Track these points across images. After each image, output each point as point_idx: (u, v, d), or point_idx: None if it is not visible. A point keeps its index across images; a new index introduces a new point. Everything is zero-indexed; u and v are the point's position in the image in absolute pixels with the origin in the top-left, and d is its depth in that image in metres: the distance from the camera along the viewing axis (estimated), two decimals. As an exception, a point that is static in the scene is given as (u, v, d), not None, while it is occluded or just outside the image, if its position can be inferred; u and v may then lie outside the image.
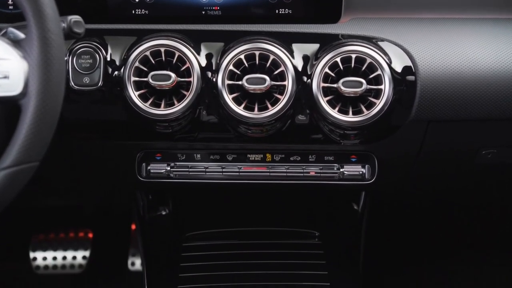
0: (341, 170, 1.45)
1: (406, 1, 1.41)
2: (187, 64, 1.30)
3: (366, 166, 1.46)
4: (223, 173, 1.46)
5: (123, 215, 2.25)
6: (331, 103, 1.30)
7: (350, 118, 1.30)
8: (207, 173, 1.45)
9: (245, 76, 1.27)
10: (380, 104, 1.29)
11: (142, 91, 1.30)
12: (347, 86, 1.27)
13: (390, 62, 1.30)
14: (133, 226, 2.27)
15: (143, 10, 1.37)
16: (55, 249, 2.25)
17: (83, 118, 1.38)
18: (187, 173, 1.46)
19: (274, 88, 1.30)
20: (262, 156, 1.46)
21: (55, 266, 2.23)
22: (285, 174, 1.46)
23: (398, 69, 1.31)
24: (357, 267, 1.77)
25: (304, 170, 1.45)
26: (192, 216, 1.91)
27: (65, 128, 1.33)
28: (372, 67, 1.29)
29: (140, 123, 1.36)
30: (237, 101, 1.30)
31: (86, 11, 1.31)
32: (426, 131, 1.38)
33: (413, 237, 2.26)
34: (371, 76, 1.29)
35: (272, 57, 1.29)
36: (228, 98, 1.29)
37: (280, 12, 1.37)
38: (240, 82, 1.28)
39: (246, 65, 1.30)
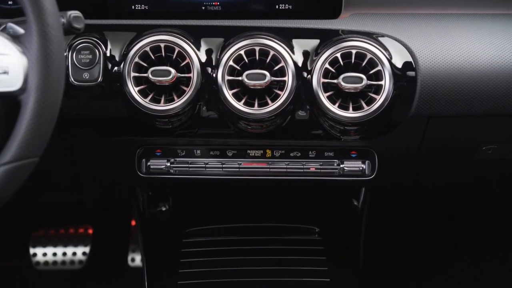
0: (341, 166, 1.45)
1: (406, -3, 1.41)
2: (187, 60, 1.30)
3: (366, 162, 1.46)
4: (223, 169, 1.46)
5: (123, 211, 2.26)
6: (331, 99, 1.30)
7: (350, 113, 1.30)
8: (207, 169, 1.45)
9: (245, 72, 1.27)
10: (380, 99, 1.29)
11: (142, 86, 1.30)
12: (347, 82, 1.27)
13: (391, 58, 1.30)
14: (133, 222, 2.27)
15: (142, 5, 1.37)
16: (55, 245, 2.26)
17: (83, 113, 1.37)
18: (187, 169, 1.46)
19: (274, 83, 1.30)
20: (262, 152, 1.46)
21: (55, 262, 2.24)
22: (285, 170, 1.46)
23: (399, 64, 1.31)
24: (357, 263, 1.77)
25: (304, 166, 1.45)
26: (192, 212, 1.91)
27: (65, 124, 1.32)
28: (372, 63, 1.29)
29: (140, 119, 1.36)
30: (237, 96, 1.30)
31: (86, 6, 1.30)
32: (426, 126, 1.38)
33: (413, 233, 2.26)
34: (371, 72, 1.29)
35: (272, 52, 1.29)
36: (228, 94, 1.29)
37: (280, 8, 1.37)
38: (240, 78, 1.28)
39: (246, 60, 1.30)
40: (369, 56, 1.29)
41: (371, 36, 1.32)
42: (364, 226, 1.75)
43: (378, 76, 1.29)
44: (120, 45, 1.32)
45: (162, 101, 1.30)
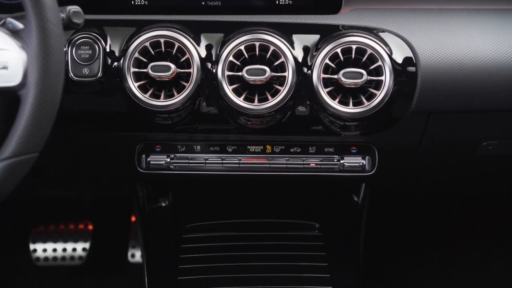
0: (341, 161, 1.45)
1: (407, -8, 1.41)
2: (187, 55, 1.29)
3: (367, 157, 1.46)
4: (223, 165, 1.45)
5: (123, 207, 2.26)
6: (332, 94, 1.30)
7: (350, 109, 1.29)
8: (207, 165, 1.45)
9: (245, 67, 1.27)
10: (380, 95, 1.29)
11: (141, 82, 1.30)
12: (348, 77, 1.26)
13: (391, 53, 1.30)
14: (133, 218, 2.27)
15: (142, 0, 1.37)
16: (55, 241, 2.26)
17: (83, 109, 1.37)
18: (187, 164, 1.45)
19: (274, 79, 1.29)
20: (262, 147, 1.46)
21: (55, 258, 2.24)
22: (285, 165, 1.45)
23: (399, 60, 1.30)
24: (357, 258, 1.77)
25: (304, 162, 1.45)
26: (192, 207, 1.91)
27: (65, 119, 1.32)
28: (372, 58, 1.29)
29: (140, 115, 1.36)
30: (237, 92, 1.30)
31: (85, 1, 1.30)
32: (427, 122, 1.38)
33: (413, 229, 2.26)
34: (371, 67, 1.29)
35: (272, 48, 1.29)
36: (228, 89, 1.29)
37: (280, 3, 1.37)
38: (240, 73, 1.27)
39: (246, 56, 1.29)
40: (369, 51, 1.28)
41: (372, 32, 1.32)
42: (364, 222, 1.75)
43: (379, 71, 1.29)
44: (120, 41, 1.32)
45: (162, 96, 1.30)
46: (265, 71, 1.26)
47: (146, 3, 1.37)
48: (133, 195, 1.75)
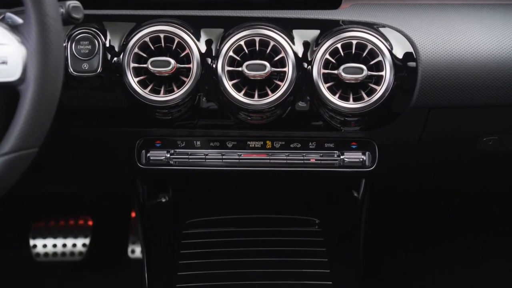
0: (341, 157, 1.45)
1: (407, -13, 1.40)
2: (187, 50, 1.29)
3: (367, 153, 1.46)
4: (223, 160, 1.45)
5: (123, 203, 2.26)
6: (332, 90, 1.29)
7: (350, 104, 1.29)
8: (207, 160, 1.45)
9: (245, 62, 1.27)
10: (381, 90, 1.28)
11: (141, 77, 1.29)
12: (348, 73, 1.26)
13: (391, 48, 1.29)
14: (133, 214, 2.27)
15: (142, -5, 1.36)
16: (55, 237, 2.26)
17: (82, 104, 1.37)
18: (187, 160, 1.45)
19: (274, 74, 1.29)
20: (262, 143, 1.45)
21: (55, 254, 2.24)
22: (285, 161, 1.45)
23: (399, 55, 1.30)
24: (357, 254, 1.77)
25: (304, 157, 1.45)
26: (192, 203, 1.91)
27: (64, 115, 1.32)
28: (373, 53, 1.28)
29: (140, 110, 1.36)
30: (237, 87, 1.29)
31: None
32: (427, 117, 1.38)
33: (413, 224, 2.26)
34: (372, 62, 1.28)
35: (272, 43, 1.28)
36: (228, 85, 1.29)
37: (281, -2, 1.36)
38: (240, 69, 1.27)
39: (246, 51, 1.29)
40: (369, 46, 1.28)
41: (372, 27, 1.32)
42: (364, 217, 1.75)
43: (379, 66, 1.28)
44: (120, 36, 1.32)
45: (162, 92, 1.29)
46: (265, 66, 1.26)
47: (146, -2, 1.36)
48: (133, 190, 1.75)
